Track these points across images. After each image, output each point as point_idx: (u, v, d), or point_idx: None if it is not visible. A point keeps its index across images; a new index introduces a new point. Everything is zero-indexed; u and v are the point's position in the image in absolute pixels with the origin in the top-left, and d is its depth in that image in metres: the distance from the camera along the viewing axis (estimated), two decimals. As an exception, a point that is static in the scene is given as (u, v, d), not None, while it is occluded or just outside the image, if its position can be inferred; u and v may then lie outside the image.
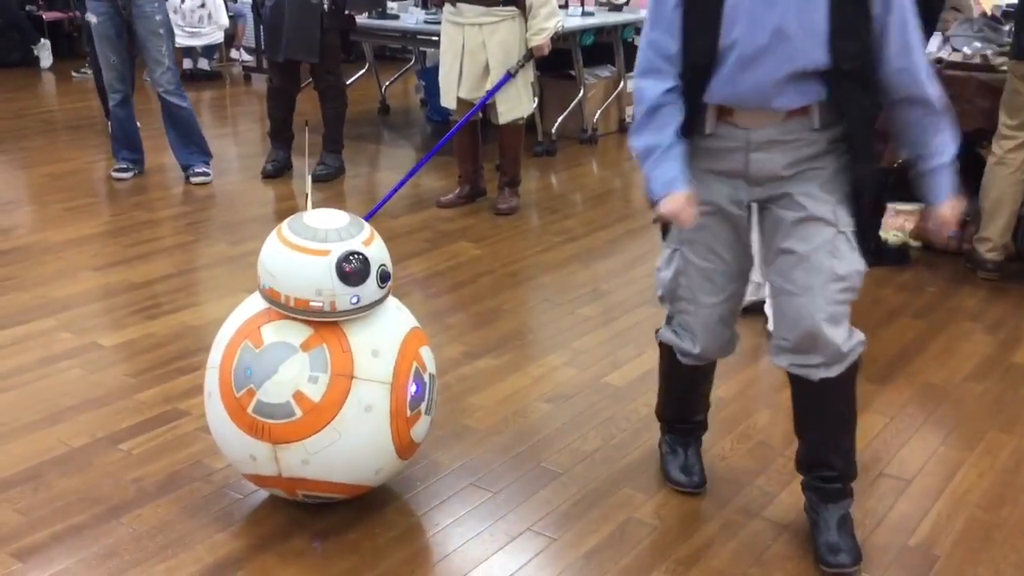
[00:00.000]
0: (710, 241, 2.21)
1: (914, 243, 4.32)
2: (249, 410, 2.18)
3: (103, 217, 4.71)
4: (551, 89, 6.25)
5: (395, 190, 4.51)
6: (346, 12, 5.19)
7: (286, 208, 4.88)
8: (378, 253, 2.24)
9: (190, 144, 5.31)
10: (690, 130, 2.11)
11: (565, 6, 6.24)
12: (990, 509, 2.48)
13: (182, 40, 7.88)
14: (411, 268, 4.07)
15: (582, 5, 6.42)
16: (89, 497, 2.46)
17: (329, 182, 5.34)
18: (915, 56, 2.04)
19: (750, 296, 2.95)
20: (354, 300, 2.19)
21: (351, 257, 2.17)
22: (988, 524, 2.42)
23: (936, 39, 4.27)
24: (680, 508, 2.46)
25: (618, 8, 6.67)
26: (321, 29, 5.06)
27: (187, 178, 5.30)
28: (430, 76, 6.15)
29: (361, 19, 6.36)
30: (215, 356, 2.29)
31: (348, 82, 7.11)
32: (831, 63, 1.98)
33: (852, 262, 2.12)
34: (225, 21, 8.17)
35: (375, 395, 2.21)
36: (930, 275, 4.05)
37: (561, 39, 5.08)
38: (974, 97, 4.13)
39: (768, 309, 2.24)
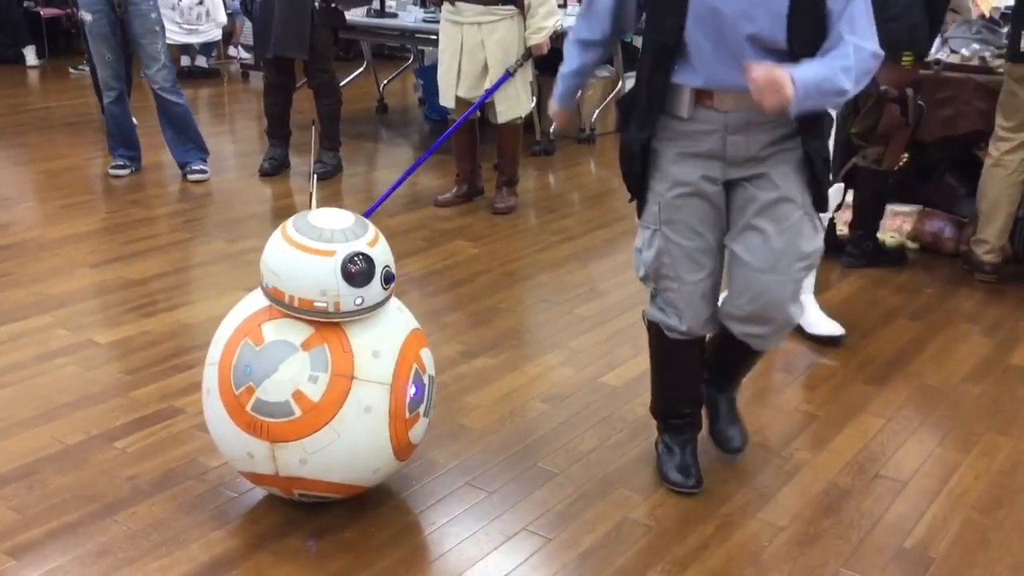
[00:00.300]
0: (690, 220, 2.29)
1: (912, 244, 4.33)
2: (248, 408, 2.18)
3: (100, 214, 4.70)
4: (550, 88, 6.20)
5: (393, 189, 4.51)
6: (333, 6, 5.16)
7: (283, 206, 4.87)
8: (382, 254, 2.24)
9: (187, 141, 5.30)
10: (659, 109, 2.23)
11: (564, 5, 6.23)
12: (986, 511, 2.48)
13: (180, 37, 7.87)
14: (408, 267, 4.07)
15: (581, 4, 6.41)
16: (84, 495, 2.45)
17: (327, 180, 5.33)
18: (851, 37, 2.06)
19: None
20: (358, 301, 2.18)
21: (356, 258, 2.16)
22: (984, 526, 2.42)
23: (935, 41, 4.28)
24: (676, 508, 2.45)
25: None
26: (312, 25, 5.04)
27: (184, 175, 5.29)
28: (428, 75, 6.15)
29: (360, 18, 6.37)
30: (214, 353, 2.28)
31: (346, 80, 7.13)
32: (787, 44, 2.08)
33: (816, 241, 2.30)
34: (223, 19, 8.15)
35: (375, 396, 2.20)
36: (927, 277, 4.06)
37: (560, 38, 5.06)
38: (972, 99, 4.14)
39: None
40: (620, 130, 2.44)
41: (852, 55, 2.06)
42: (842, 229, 4.21)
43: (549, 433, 2.80)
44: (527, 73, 4.73)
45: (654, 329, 2.46)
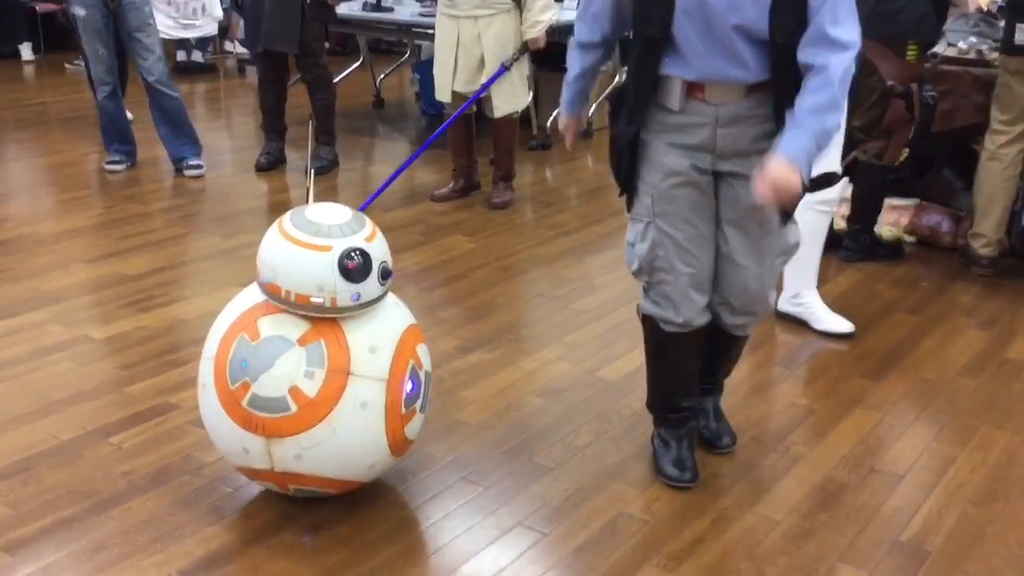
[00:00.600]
0: (683, 211, 2.30)
1: (909, 238, 4.32)
2: (244, 403, 2.17)
3: (95, 209, 4.69)
4: (546, 83, 6.22)
5: (388, 183, 4.50)
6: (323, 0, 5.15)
7: (279, 201, 4.86)
8: (379, 250, 2.23)
9: (181, 136, 5.28)
10: (650, 101, 2.25)
11: (560, 0, 6.21)
12: (982, 505, 2.48)
13: (176, 32, 7.84)
14: (404, 262, 4.06)
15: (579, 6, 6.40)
16: (79, 490, 2.45)
17: (323, 175, 5.32)
18: (831, 30, 2.05)
19: None
20: (355, 297, 2.17)
21: (353, 254, 2.15)
22: (980, 520, 2.42)
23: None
24: (672, 503, 2.45)
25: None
26: (303, 19, 5.03)
27: (179, 170, 5.28)
28: (425, 69, 6.13)
29: (356, 12, 6.35)
30: (210, 347, 2.27)
31: (343, 75, 7.13)
32: (769, 35, 2.10)
33: (794, 235, 2.41)
34: (219, 13, 8.12)
35: (371, 392, 2.20)
36: (924, 270, 4.05)
37: (557, 33, 5.05)
38: (969, 92, 4.13)
39: None
40: (610, 124, 2.44)
41: (831, 77, 2.03)
42: (839, 223, 4.21)
43: (545, 428, 2.80)
44: (524, 67, 4.72)
45: (649, 323, 2.46)
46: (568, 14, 5.96)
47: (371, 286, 2.20)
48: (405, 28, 6.40)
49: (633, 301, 3.64)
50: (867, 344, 3.38)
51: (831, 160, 3.23)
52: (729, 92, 2.20)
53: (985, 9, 4.90)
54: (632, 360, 3.16)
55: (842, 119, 2.29)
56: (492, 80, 4.57)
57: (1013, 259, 4.08)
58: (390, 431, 2.25)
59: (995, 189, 3.91)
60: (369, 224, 2.26)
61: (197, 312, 3.49)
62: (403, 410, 2.27)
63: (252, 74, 8.23)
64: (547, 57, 5.56)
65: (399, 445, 2.32)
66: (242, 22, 8.73)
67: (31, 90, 7.78)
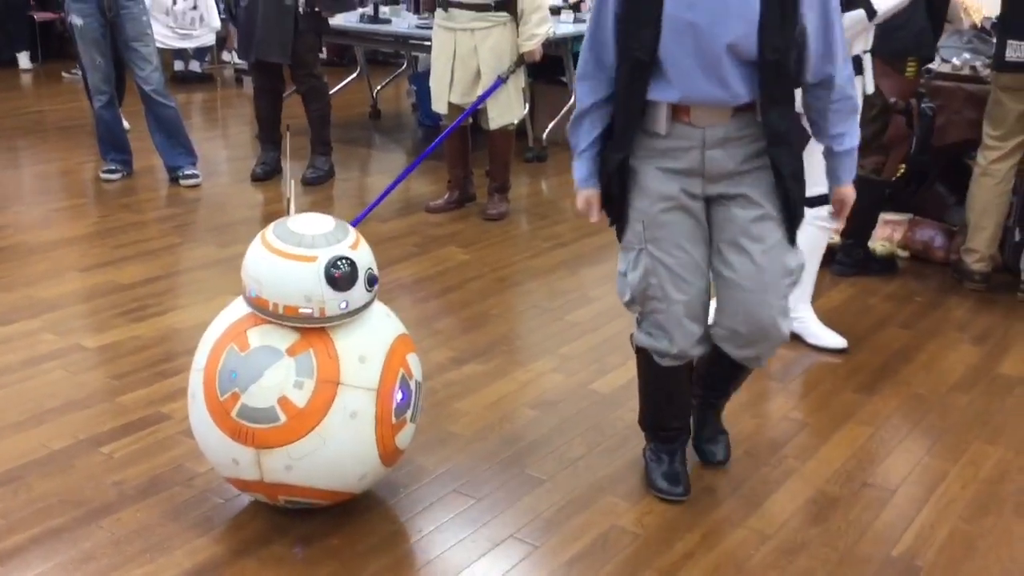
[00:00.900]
0: (675, 236, 2.27)
1: (902, 253, 4.33)
2: (233, 414, 2.17)
3: (91, 218, 4.69)
4: (542, 95, 6.25)
5: (384, 194, 4.50)
6: (316, 11, 5.13)
7: (275, 211, 4.86)
8: (365, 257, 2.23)
9: (177, 145, 5.29)
10: (637, 127, 2.22)
11: (557, 12, 6.24)
12: (973, 520, 2.48)
13: (174, 42, 7.86)
14: (400, 272, 4.06)
15: (574, 12, 6.43)
16: (69, 500, 2.44)
17: (319, 185, 5.33)
18: (836, 48, 2.19)
19: None
20: (343, 305, 2.18)
21: (339, 262, 2.15)
22: (971, 535, 2.42)
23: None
24: (663, 516, 2.45)
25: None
26: (296, 30, 5.04)
27: (175, 179, 5.28)
28: (422, 81, 6.14)
29: (354, 24, 6.37)
30: (200, 358, 2.27)
31: (340, 86, 7.14)
32: (759, 52, 2.10)
33: (798, 257, 2.31)
34: (217, 23, 8.14)
35: (361, 402, 2.19)
36: (917, 285, 4.06)
37: (553, 45, 5.08)
38: (962, 108, 4.15)
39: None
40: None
41: (843, 85, 2.21)
42: (833, 237, 4.21)
43: (538, 440, 2.79)
44: (520, 80, 4.73)
45: (643, 355, 2.43)
46: (564, 27, 6.01)
47: (358, 294, 2.20)
48: (402, 40, 6.43)
49: (628, 314, 3.65)
50: (860, 358, 3.38)
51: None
52: (714, 114, 2.18)
53: (979, 26, 4.93)
54: (626, 372, 3.16)
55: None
56: (488, 92, 4.58)
57: (1006, 274, 4.09)
58: (380, 441, 2.25)
59: (987, 204, 3.92)
60: (353, 232, 2.25)
61: (191, 322, 3.49)
62: (393, 420, 2.26)
63: (249, 84, 8.22)
64: (543, 69, 5.58)
65: (390, 455, 2.32)
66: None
67: (28, 98, 7.79)
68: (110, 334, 3.40)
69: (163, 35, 7.42)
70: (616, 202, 2.31)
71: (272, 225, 2.24)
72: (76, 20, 4.99)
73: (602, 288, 3.94)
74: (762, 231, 2.24)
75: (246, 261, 2.22)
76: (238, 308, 2.30)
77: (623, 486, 2.57)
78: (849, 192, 2.34)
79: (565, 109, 6.21)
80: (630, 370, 3.14)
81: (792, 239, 2.28)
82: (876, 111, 3.79)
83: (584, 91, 2.27)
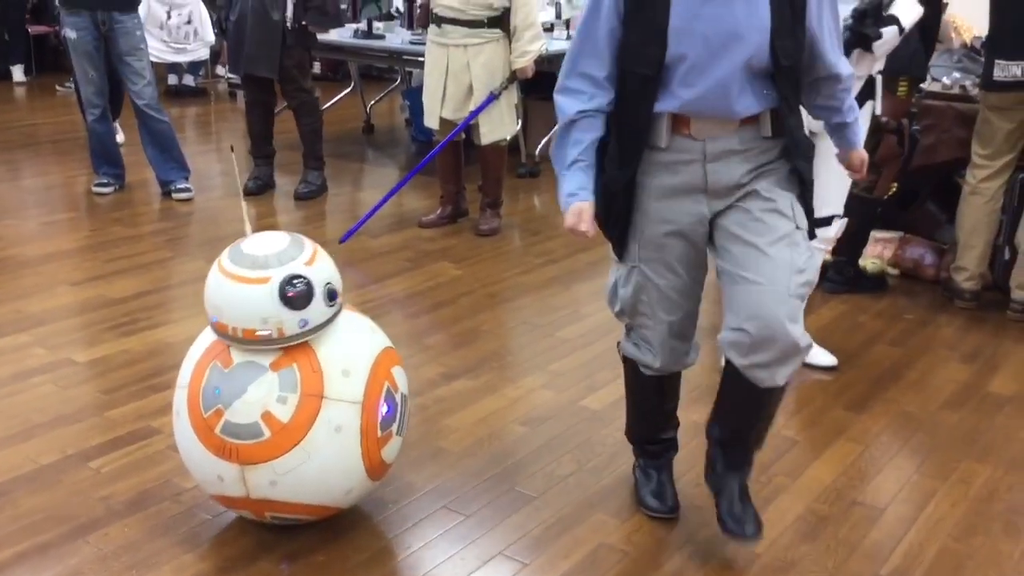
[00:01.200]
0: (668, 259, 2.24)
1: (892, 271, 4.34)
2: (217, 430, 2.16)
3: (82, 232, 4.68)
4: (535, 111, 6.27)
5: (375, 209, 4.51)
6: (304, 25, 5.13)
7: (267, 225, 4.85)
8: (322, 272, 2.20)
9: (170, 160, 5.29)
10: (644, 143, 2.16)
11: (550, 29, 6.27)
12: (962, 539, 2.48)
13: (168, 56, 7.87)
14: (391, 288, 4.06)
15: (567, 28, 6.46)
16: (56, 515, 2.43)
17: (311, 200, 5.33)
18: (839, 39, 2.23)
19: None
20: (302, 324, 2.16)
21: (294, 281, 2.13)
22: (960, 554, 2.42)
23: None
24: (652, 534, 2.44)
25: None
26: (284, 45, 5.04)
27: (167, 194, 5.28)
28: (415, 96, 6.16)
29: (347, 39, 6.39)
30: (184, 375, 2.27)
31: (334, 101, 7.15)
32: (772, 60, 2.08)
33: (810, 260, 2.18)
34: (211, 38, 8.15)
35: (345, 415, 2.19)
36: (908, 303, 4.07)
37: (545, 62, 5.09)
38: (952, 127, 4.17)
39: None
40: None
41: (847, 77, 2.26)
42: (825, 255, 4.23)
43: (527, 456, 2.79)
44: (512, 96, 4.74)
45: (629, 364, 2.44)
46: (557, 44, 6.03)
47: (317, 310, 2.17)
48: (396, 55, 6.45)
49: (619, 330, 3.65)
50: (850, 376, 3.38)
51: (835, 203, 3.30)
52: (717, 126, 2.12)
53: (969, 45, 4.96)
54: (616, 389, 3.15)
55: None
56: (480, 108, 4.59)
57: (996, 292, 4.10)
58: (366, 454, 2.24)
59: (977, 223, 3.94)
60: (309, 247, 2.22)
61: (181, 336, 3.47)
62: (379, 433, 2.26)
63: (243, 99, 8.26)
64: (536, 85, 5.60)
65: (376, 468, 2.31)
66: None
67: (22, 111, 7.79)
68: (100, 348, 3.39)
69: (157, 49, 7.42)
70: (619, 219, 2.23)
71: (228, 248, 2.22)
72: (70, 33, 5.00)
73: (593, 304, 3.95)
74: (768, 225, 2.14)
75: (206, 287, 2.20)
76: (224, 324, 2.29)
77: (612, 503, 2.57)
78: (864, 152, 2.47)
79: (558, 125, 6.23)
80: (620, 387, 3.13)
81: (807, 242, 2.19)
82: (868, 130, 3.81)
83: (568, 102, 2.18)
